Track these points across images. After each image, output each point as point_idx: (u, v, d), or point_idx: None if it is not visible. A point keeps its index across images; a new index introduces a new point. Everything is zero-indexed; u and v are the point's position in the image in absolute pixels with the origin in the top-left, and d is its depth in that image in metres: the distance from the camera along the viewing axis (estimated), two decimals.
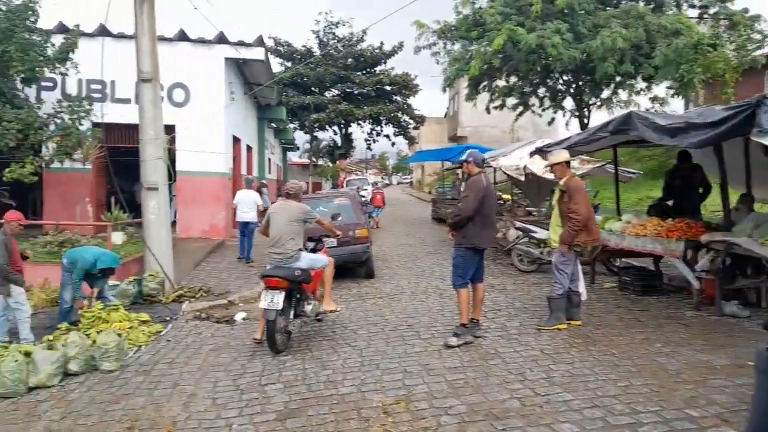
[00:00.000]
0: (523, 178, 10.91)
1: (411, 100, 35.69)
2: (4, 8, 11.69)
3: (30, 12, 12.11)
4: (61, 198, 14.49)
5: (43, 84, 13.78)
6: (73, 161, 13.13)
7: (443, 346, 6.17)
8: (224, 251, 13.97)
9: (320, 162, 40.55)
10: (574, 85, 22.29)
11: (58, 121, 12.70)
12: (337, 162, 40.52)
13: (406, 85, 34.17)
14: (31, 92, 13.28)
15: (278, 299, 6.12)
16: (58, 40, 12.81)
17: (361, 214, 11.16)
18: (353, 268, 10.66)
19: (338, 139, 38.46)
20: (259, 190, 14.56)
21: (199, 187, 15.09)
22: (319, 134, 37.92)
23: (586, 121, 22.48)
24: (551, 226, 7.04)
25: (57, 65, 12.59)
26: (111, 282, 8.83)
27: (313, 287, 6.83)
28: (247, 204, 12.64)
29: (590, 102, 22.38)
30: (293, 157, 44.14)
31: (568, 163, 6.86)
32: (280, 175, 32.56)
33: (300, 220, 6.57)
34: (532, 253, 10.48)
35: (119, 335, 6.48)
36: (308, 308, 6.72)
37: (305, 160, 41.37)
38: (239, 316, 8.33)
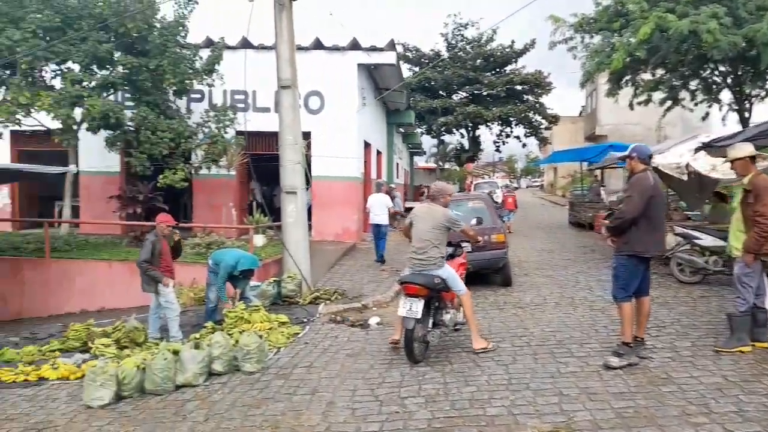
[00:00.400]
0: (685, 177, 9.74)
1: (543, 99, 34.23)
2: (158, 25, 12.59)
3: (180, 27, 12.97)
4: (208, 202, 15.39)
5: (193, 96, 14.72)
6: (219, 168, 13.86)
7: (603, 367, 5.46)
8: (356, 254, 14.01)
9: (447, 166, 40.16)
10: (732, 76, 19.91)
11: (206, 130, 13.48)
12: (464, 165, 39.85)
13: (538, 84, 32.80)
14: (181, 104, 14.24)
15: (417, 307, 5.77)
16: (204, 53, 13.63)
17: (497, 217, 10.58)
18: (488, 274, 10.09)
19: (465, 142, 37.85)
20: (389, 194, 14.51)
21: (332, 192, 15.32)
22: (446, 138, 37.59)
23: (747, 115, 19.98)
24: (731, 231, 6.04)
25: (204, 77, 13.37)
26: (252, 282, 9.06)
27: (452, 295, 6.41)
28: (379, 207, 12.70)
29: (752, 94, 19.86)
30: (419, 161, 44.17)
31: (753, 158, 5.84)
32: (407, 180, 32.63)
33: (444, 227, 6.13)
34: (695, 262, 9.27)
35: (260, 337, 6.51)
36: (447, 317, 6.31)
37: (432, 165, 41.21)
38: (373, 321, 8.14)
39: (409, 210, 23.87)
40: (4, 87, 11.66)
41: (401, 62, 28.90)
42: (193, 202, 15.77)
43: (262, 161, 13.93)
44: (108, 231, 14.09)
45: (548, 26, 20.77)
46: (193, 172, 13.48)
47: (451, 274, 6.16)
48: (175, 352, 6.16)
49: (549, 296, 9.10)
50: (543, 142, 38.25)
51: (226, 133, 13.55)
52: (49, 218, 13.98)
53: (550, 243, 16.07)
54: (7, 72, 11.82)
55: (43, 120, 12.29)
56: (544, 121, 34.80)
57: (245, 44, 14.47)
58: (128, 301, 10.28)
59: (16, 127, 12.26)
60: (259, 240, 12.69)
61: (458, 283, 6.19)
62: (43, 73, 12.35)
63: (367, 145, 17.65)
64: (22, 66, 11.26)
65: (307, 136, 13.63)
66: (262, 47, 14.79)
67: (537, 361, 5.86)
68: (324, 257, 12.74)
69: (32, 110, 11.72)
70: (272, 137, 14.70)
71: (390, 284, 10.51)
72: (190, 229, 13.41)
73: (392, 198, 14.13)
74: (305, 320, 8.34)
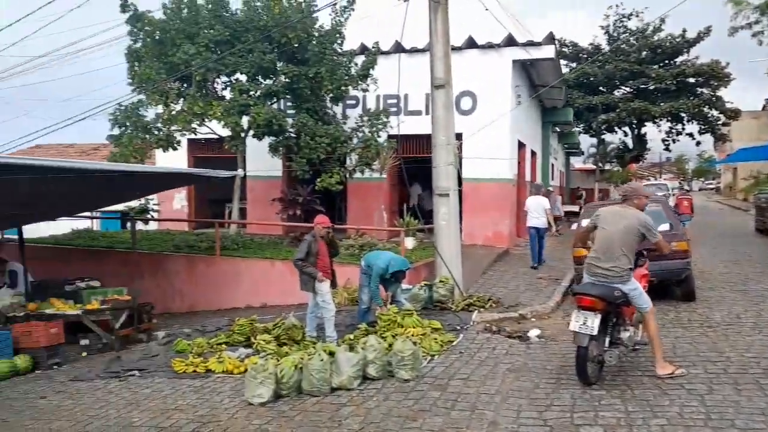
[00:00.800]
0: None
1: (721, 92, 30.51)
2: (316, 34, 12.99)
3: (337, 35, 13.29)
4: (361, 205, 15.63)
5: (348, 102, 15.04)
6: (372, 171, 13.99)
7: None
8: (510, 260, 13.34)
9: (607, 167, 37.42)
10: None
11: (360, 134, 13.67)
12: (627, 166, 36.85)
13: (715, 75, 29.30)
14: (337, 110, 14.61)
15: (592, 322, 5.09)
16: (359, 59, 13.84)
17: (678, 222, 9.37)
18: (667, 287, 8.92)
19: (629, 141, 35.01)
20: (546, 196, 13.73)
21: (483, 194, 14.78)
22: (607, 136, 35.00)
23: None
24: None
25: (359, 82, 13.57)
26: (404, 286, 8.89)
27: (632, 310, 5.61)
28: (537, 209, 12.23)
29: None
30: (576, 162, 41.71)
31: None
32: (562, 182, 30.92)
33: (638, 233, 5.33)
34: None
35: (414, 343, 6.24)
36: (625, 336, 5.54)
37: (590, 166, 38.69)
38: (533, 333, 7.55)
39: (569, 214, 22.50)
40: (181, 99, 12.74)
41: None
42: (347, 204, 16.13)
43: (411, 164, 13.81)
44: (271, 231, 14.85)
45: (727, 11, 18.51)
46: (347, 175, 13.73)
47: (637, 288, 5.36)
48: (331, 353, 6.11)
49: (743, 315, 7.81)
50: (721, 139, 34.08)
51: (378, 136, 13.63)
52: (219, 219, 15.07)
53: (735, 252, 14.07)
54: (185, 85, 12.91)
55: (214, 128, 13.24)
56: (721, 116, 31.06)
57: (398, 48, 14.44)
58: (287, 298, 10.63)
59: (192, 135, 13.37)
60: (409, 242, 12.56)
61: (643, 299, 5.38)
62: (215, 85, 13.31)
63: (521, 146, 16.85)
64: (196, 78, 12.20)
65: (458, 137, 13.26)
66: (415, 50, 14.72)
67: (740, 392, 4.92)
68: (475, 262, 12.26)
69: (205, 119, 12.68)
70: (423, 140, 14.54)
71: (549, 293, 9.81)
72: (344, 230, 13.66)
73: (552, 201, 13.36)
74: (458, 328, 7.98)
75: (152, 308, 10.11)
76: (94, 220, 16.93)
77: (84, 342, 8.75)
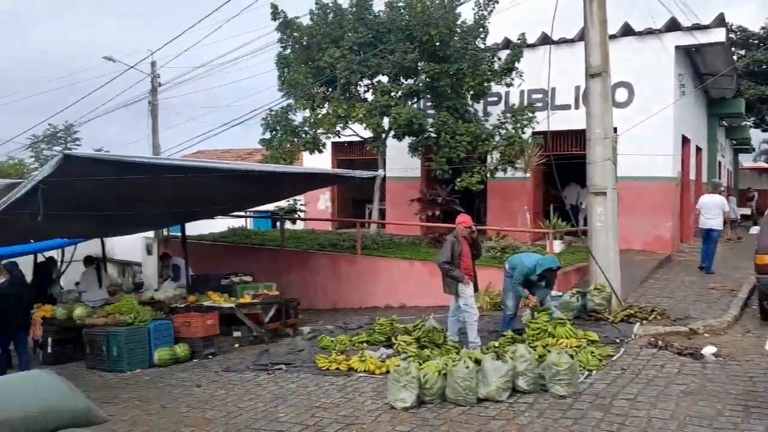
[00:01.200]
0: None
1: None
2: (458, 30, 12.66)
3: (480, 29, 12.85)
4: (501, 205, 14.99)
5: (489, 99, 14.51)
6: (515, 170, 13.35)
7: None
8: (673, 267, 12.00)
9: None
10: None
11: (502, 131, 13.11)
12: None
13: None
14: (478, 108, 14.14)
15: None
16: (503, 54, 13.28)
17: None
18: None
19: None
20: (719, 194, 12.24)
21: (641, 194, 13.42)
22: None
23: None
24: None
25: (503, 77, 13.01)
26: (553, 293, 8.26)
27: None
28: (712, 209, 10.92)
29: None
30: (745, 160, 37.19)
31: None
32: (730, 182, 27.69)
33: None
34: None
35: (571, 356, 5.66)
36: None
37: (762, 164, 34.28)
38: (708, 351, 6.61)
39: (745, 217, 19.99)
40: (326, 102, 13.04)
41: None
42: (486, 205, 15.59)
43: (557, 162, 12.96)
44: (409, 232, 14.76)
45: None
46: (488, 174, 13.24)
47: None
48: (477, 361, 5.74)
49: None
50: None
51: (523, 133, 12.97)
52: (361, 219, 15.30)
53: None
54: (330, 89, 13.21)
55: (357, 130, 13.41)
56: None
57: (545, 40, 13.66)
58: (426, 299, 10.43)
59: (336, 138, 13.66)
60: (557, 246, 11.76)
61: None
62: (358, 87, 13.47)
63: (684, 141, 15.18)
64: (341, 81, 12.41)
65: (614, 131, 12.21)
66: (564, 41, 13.82)
67: None
68: (633, 268, 11.14)
69: (348, 121, 12.87)
70: (571, 135, 13.59)
71: (724, 306, 8.63)
72: (484, 232, 13.16)
73: (727, 200, 11.92)
74: (618, 341, 7.24)
75: (298, 304, 10.41)
76: (248, 219, 18.03)
77: (236, 334, 9.18)
